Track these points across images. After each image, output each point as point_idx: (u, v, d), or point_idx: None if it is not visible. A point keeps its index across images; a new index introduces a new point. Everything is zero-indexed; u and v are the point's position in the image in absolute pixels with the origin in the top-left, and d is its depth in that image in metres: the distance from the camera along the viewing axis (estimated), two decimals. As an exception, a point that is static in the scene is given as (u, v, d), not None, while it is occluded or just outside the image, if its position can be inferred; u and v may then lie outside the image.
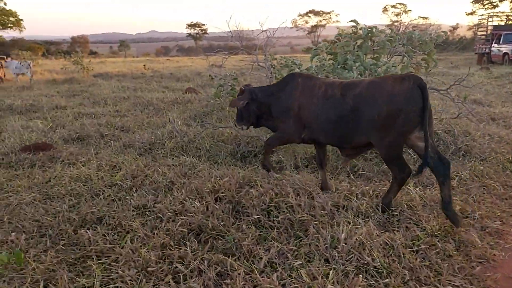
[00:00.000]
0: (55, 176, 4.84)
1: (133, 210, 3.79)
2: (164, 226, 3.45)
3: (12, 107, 10.37)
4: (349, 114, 3.67)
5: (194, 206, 3.73)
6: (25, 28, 61.21)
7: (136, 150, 6.22)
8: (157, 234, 3.30)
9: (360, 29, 6.22)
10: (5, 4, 58.58)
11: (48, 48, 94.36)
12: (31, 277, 2.81)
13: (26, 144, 6.26)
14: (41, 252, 3.16)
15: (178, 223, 3.46)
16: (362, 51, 5.98)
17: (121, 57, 79.00)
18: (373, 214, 3.71)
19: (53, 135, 7.13)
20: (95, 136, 7.21)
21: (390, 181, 3.90)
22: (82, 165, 5.29)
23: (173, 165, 5.09)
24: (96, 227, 3.50)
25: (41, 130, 7.47)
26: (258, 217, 3.65)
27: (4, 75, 19.05)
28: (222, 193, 4.06)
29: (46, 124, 7.90)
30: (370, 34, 6.10)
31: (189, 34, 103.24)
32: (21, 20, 60.28)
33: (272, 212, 3.76)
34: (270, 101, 4.25)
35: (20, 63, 18.70)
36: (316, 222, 3.54)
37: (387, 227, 3.55)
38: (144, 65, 26.66)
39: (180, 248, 3.10)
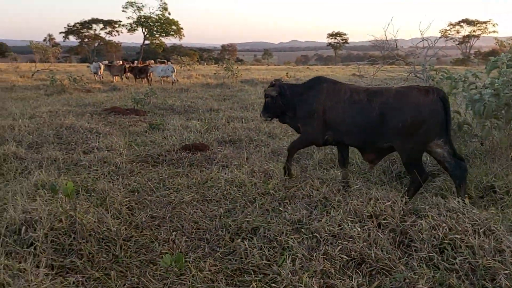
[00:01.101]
0: (212, 178, 4.99)
1: (287, 225, 3.60)
2: (322, 249, 3.16)
3: (173, 107, 11.44)
4: (375, 120, 3.94)
5: (354, 231, 3.36)
6: (184, 36, 68.50)
7: (284, 158, 6.13)
8: (315, 257, 3.02)
9: None
10: (169, 14, 66.40)
11: (201, 54, 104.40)
12: (191, 285, 2.80)
13: (185, 143, 6.70)
14: (199, 258, 3.16)
15: (338, 248, 3.14)
16: None
17: (263, 65, 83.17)
18: None
19: (209, 136, 7.52)
20: (245, 140, 7.38)
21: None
22: (236, 168, 5.38)
23: (324, 178, 4.81)
24: (252, 238, 3.39)
25: (198, 130, 7.97)
26: (430, 255, 3.11)
27: (151, 78, 21.20)
28: (384, 219, 3.61)
29: (202, 125, 8.42)
30: None
31: (329, 44, 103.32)
32: (182, 28, 67.70)
33: (446, 251, 3.17)
34: (297, 101, 4.51)
35: (165, 67, 20.87)
36: (506, 272, 2.86)
37: None
38: (287, 74, 27.27)
39: (343, 279, 2.77)
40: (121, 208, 4.02)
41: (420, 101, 3.75)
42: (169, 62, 51.22)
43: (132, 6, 64.00)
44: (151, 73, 20.79)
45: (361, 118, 4.02)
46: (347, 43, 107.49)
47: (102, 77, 22.35)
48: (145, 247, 3.37)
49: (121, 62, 40.26)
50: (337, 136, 4.29)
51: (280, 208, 3.95)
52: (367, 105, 3.99)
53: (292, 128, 4.95)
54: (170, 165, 5.76)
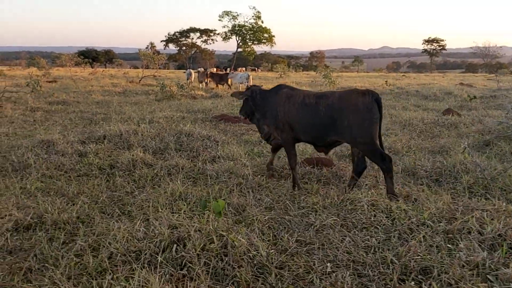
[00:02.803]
0: (349, 199, 4.52)
1: (466, 268, 3.00)
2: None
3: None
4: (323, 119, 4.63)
5: None
6: (275, 44, 69.25)
7: (419, 180, 5.48)
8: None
9: None
10: (262, 22, 67.63)
11: (289, 62, 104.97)
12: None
13: (306, 156, 6.35)
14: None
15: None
16: None
17: (352, 71, 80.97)
18: None
19: (327, 149, 7.10)
20: (367, 155, 6.83)
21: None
22: (370, 189, 4.87)
23: (488, 209, 4.09)
24: (423, 281, 2.87)
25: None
26: None
27: (231, 84, 22.50)
28: None
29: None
30: None
31: (425, 50, 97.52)
32: (273, 36, 68.55)
33: None
34: (262, 104, 5.22)
35: (242, 74, 22.11)
36: None
37: None
38: (386, 81, 25.91)
39: None
40: (262, 227, 3.75)
41: (358, 102, 4.44)
42: (245, 70, 52.35)
43: (228, 15, 66.43)
44: (231, 80, 22.12)
45: (310, 118, 4.79)
46: (445, 49, 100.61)
47: (191, 82, 23.63)
48: (301, 279, 3.02)
49: (214, 69, 41.89)
50: (296, 135, 4.99)
51: (448, 245, 3.36)
52: (315, 107, 4.69)
53: (257, 128, 5.72)
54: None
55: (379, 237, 3.64)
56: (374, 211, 4.15)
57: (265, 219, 3.95)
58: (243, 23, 66.75)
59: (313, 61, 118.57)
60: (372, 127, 4.41)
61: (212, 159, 6.41)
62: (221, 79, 22.50)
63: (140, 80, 25.82)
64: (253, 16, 66.26)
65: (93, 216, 4.14)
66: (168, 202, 4.39)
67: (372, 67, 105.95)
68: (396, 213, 4.07)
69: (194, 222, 3.52)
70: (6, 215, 4.09)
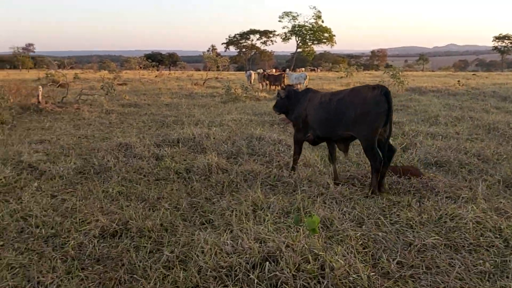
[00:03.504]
0: (448, 214, 4.08)
1: None
2: None
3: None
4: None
5: None
6: (336, 43, 67.88)
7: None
8: None
9: None
10: (322, 21, 66.60)
11: (349, 61, 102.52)
12: None
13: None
14: None
15: None
16: None
17: (417, 71, 77.08)
18: None
19: (409, 156, 6.60)
20: (455, 163, 6.24)
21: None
22: (466, 203, 4.38)
23: None
24: None
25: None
26: None
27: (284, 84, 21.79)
28: None
29: (399, 142, 7.51)
30: None
31: (495, 47, 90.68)
32: (334, 35, 67.25)
33: None
34: (295, 104, 5.68)
35: (298, 75, 21.89)
36: None
37: None
38: (458, 81, 24.20)
39: None
40: (356, 245, 3.44)
41: (368, 95, 4.72)
42: (302, 70, 51.61)
43: (288, 16, 66.18)
44: (285, 80, 21.76)
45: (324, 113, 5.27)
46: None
47: (251, 84, 23.74)
48: (410, 310, 2.68)
49: (274, 71, 41.78)
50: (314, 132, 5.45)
51: None
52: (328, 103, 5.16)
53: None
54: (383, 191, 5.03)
55: (492, 261, 3.19)
56: (480, 229, 3.69)
57: (357, 236, 3.64)
58: (303, 23, 66.15)
59: (375, 60, 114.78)
60: (377, 122, 4.64)
61: (286, 164, 6.18)
62: (275, 80, 22.40)
63: (204, 83, 26.30)
64: (313, 16, 65.45)
65: (176, 224, 4.07)
66: (250, 212, 4.21)
67: (437, 66, 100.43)
68: (507, 232, 3.58)
69: (283, 237, 3.30)
70: (92, 220, 4.14)
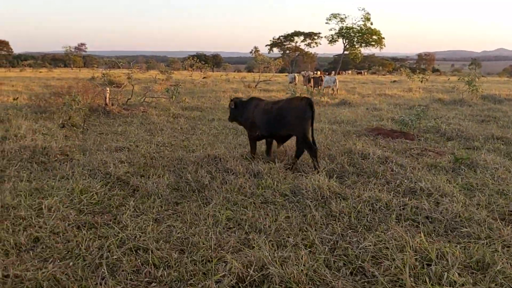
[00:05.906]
0: None
1: None
2: None
3: (443, 131, 9.63)
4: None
5: None
6: (385, 46, 65.59)
7: None
8: None
9: None
10: (371, 24, 64.54)
11: (394, 64, 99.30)
12: None
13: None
14: None
15: None
16: None
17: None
18: None
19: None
20: None
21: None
22: None
23: None
24: None
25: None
26: None
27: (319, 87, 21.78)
28: None
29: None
30: None
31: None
32: (383, 38, 64.96)
33: None
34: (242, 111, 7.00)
35: (329, 78, 21.63)
36: None
37: None
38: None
39: None
40: None
41: (297, 105, 6.17)
42: (332, 74, 50.00)
43: (335, 18, 64.65)
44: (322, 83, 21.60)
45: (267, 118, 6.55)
46: None
47: (295, 86, 23.23)
48: None
49: (319, 73, 40.63)
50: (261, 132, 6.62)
51: None
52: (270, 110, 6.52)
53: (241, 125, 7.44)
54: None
55: None
56: None
57: None
58: (351, 25, 64.39)
59: (421, 63, 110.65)
60: (305, 123, 6.06)
61: (410, 191, 5.26)
62: (315, 82, 22.51)
63: (256, 85, 25.66)
64: (362, 18, 63.57)
65: (321, 273, 3.26)
66: (418, 265, 3.33)
67: (486, 71, 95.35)
68: None
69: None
70: (219, 262, 3.41)
